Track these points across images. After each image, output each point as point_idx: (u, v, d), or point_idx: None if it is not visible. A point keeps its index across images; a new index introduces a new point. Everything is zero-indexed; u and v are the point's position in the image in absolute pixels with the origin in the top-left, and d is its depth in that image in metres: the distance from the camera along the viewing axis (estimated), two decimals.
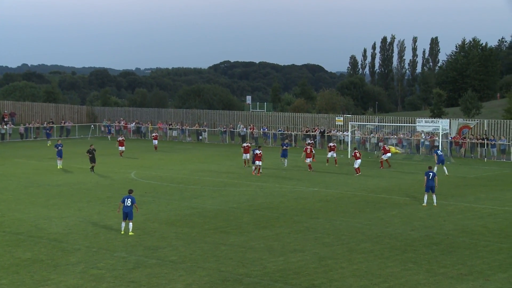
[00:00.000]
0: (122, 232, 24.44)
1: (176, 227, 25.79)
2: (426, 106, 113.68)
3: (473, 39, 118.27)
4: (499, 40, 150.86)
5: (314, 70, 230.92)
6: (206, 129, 70.29)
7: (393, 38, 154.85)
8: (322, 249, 22.43)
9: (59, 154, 44.88)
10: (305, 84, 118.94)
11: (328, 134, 63.11)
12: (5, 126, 69.18)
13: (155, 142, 59.39)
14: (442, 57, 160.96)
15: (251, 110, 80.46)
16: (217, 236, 24.36)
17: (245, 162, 45.71)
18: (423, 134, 57.79)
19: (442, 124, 54.67)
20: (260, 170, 41.77)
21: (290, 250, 22.27)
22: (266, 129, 68.39)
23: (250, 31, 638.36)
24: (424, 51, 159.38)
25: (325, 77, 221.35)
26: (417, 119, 61.10)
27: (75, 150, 55.48)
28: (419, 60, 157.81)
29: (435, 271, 19.84)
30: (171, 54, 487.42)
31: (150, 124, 74.44)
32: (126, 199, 24.40)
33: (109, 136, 72.13)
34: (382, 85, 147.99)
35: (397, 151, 49.54)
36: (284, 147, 46.60)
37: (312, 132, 64.04)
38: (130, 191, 25.07)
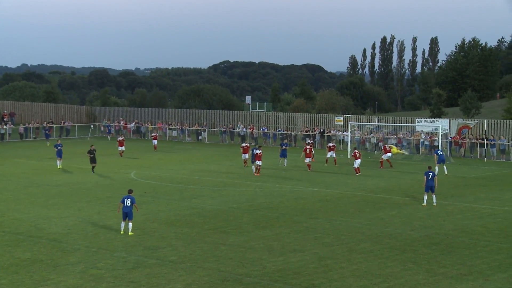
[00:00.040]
0: (122, 232, 24.44)
1: (176, 227, 25.79)
2: (426, 106, 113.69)
3: (473, 39, 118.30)
4: (498, 40, 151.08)
5: (314, 70, 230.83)
6: (206, 129, 70.31)
7: (392, 38, 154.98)
8: (322, 249, 22.44)
9: (59, 154, 44.87)
10: (305, 84, 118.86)
11: (327, 134, 63.13)
12: (4, 126, 69.17)
13: (155, 142, 59.39)
14: (441, 57, 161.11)
15: (250, 110, 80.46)
16: (217, 236, 24.36)
17: (244, 162, 45.71)
18: (422, 134, 57.81)
19: (442, 124, 54.69)
20: (259, 170, 41.76)
21: (290, 250, 22.27)
22: (266, 129, 68.40)
23: (250, 31, 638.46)
24: (423, 51, 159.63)
25: (325, 77, 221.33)
26: (416, 119, 61.13)
27: (75, 150, 55.50)
28: (419, 60, 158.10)
29: (435, 271, 19.84)
30: (170, 54, 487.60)
31: (149, 124, 74.44)
32: (125, 199, 24.40)
33: (109, 136, 72.13)
34: (381, 85, 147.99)
35: (399, 151, 49.40)
36: (283, 147, 46.61)
37: (312, 132, 64.06)
38: (130, 191, 25.07)
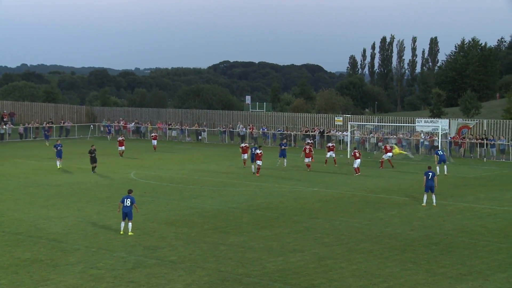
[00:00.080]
0: (122, 232, 24.45)
1: (176, 227, 25.79)
2: (426, 106, 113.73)
3: (473, 39, 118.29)
4: (498, 40, 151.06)
5: (314, 70, 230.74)
6: (206, 129, 70.33)
7: (392, 38, 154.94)
8: (322, 249, 22.44)
9: (59, 155, 44.85)
10: (305, 84, 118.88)
11: (327, 134, 63.15)
12: (4, 126, 69.17)
13: (154, 142, 59.36)
14: (441, 57, 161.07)
15: (250, 110, 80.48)
16: (217, 236, 24.36)
17: (244, 162, 45.71)
18: (422, 134, 57.82)
19: (442, 124, 54.68)
20: (259, 170, 41.75)
21: (290, 250, 22.28)
22: (266, 129, 68.41)
23: (249, 31, 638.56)
24: (423, 51, 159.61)
25: (325, 77, 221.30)
26: (416, 119, 61.11)
27: (75, 150, 55.51)
28: (419, 60, 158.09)
29: (435, 271, 19.85)
30: (170, 54, 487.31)
31: (149, 124, 74.45)
32: (125, 199, 24.42)
33: (108, 136, 72.12)
34: (381, 85, 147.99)
35: (402, 152, 49.33)
36: (283, 147, 46.61)
37: (312, 132, 64.07)
38: (130, 191, 25.08)
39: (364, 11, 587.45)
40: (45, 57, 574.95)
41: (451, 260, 21.12)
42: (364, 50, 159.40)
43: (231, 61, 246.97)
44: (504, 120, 60.99)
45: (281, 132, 66.39)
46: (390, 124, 62.09)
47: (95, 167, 42.35)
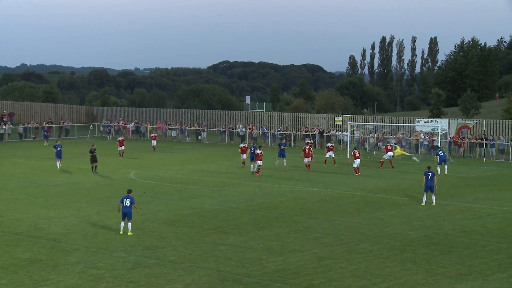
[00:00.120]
0: (121, 232, 24.44)
1: (175, 227, 25.79)
2: (425, 106, 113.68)
3: (472, 39, 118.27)
4: (498, 40, 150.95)
5: (313, 70, 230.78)
6: (205, 129, 70.33)
7: (392, 38, 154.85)
8: (321, 249, 22.44)
9: (58, 155, 44.79)
10: (304, 84, 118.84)
11: (327, 134, 63.15)
12: (4, 126, 69.16)
13: (154, 142, 59.36)
14: (441, 57, 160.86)
15: (250, 110, 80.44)
16: (216, 236, 24.36)
17: (244, 162, 45.71)
18: (422, 134, 57.82)
19: (441, 124, 54.67)
20: (259, 170, 41.75)
21: (289, 250, 22.28)
22: (265, 129, 68.41)
23: (249, 31, 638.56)
24: (423, 51, 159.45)
25: (324, 77, 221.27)
26: (416, 119, 61.14)
27: (74, 150, 55.49)
28: (418, 60, 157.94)
29: (434, 271, 19.85)
30: (170, 54, 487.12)
31: (149, 124, 74.44)
32: (125, 199, 24.42)
33: (108, 136, 72.10)
34: (381, 85, 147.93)
35: (403, 152, 49.24)
36: (282, 147, 46.59)
37: (311, 132, 64.07)
38: (129, 191, 25.09)
39: (364, 11, 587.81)
40: (45, 57, 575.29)
41: (451, 260, 21.12)
42: (364, 50, 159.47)
43: (231, 61, 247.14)
44: (504, 120, 61.00)
45: (281, 132, 66.39)
46: (390, 124, 62.10)
47: (95, 166, 42.36)
